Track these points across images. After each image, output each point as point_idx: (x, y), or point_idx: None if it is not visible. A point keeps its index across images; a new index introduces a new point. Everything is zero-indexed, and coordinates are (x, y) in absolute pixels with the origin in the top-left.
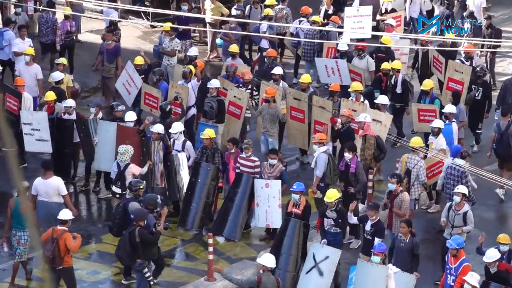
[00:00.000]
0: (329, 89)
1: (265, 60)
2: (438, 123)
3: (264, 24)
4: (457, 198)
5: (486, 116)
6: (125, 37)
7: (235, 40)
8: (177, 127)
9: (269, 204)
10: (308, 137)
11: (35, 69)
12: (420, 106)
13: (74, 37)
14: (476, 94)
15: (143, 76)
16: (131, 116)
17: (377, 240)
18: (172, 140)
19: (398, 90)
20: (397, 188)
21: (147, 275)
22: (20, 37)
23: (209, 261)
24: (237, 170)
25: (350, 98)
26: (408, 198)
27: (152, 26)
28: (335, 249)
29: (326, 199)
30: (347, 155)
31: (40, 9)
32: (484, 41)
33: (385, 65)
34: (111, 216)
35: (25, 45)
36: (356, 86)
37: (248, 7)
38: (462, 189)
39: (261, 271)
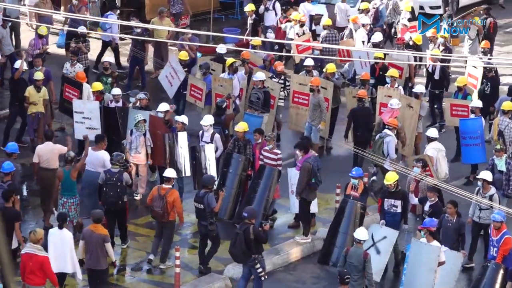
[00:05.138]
0: (360, 78)
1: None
2: (433, 132)
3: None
4: (479, 183)
5: (492, 108)
6: (93, 49)
7: (195, 50)
8: (208, 119)
9: None
10: (332, 125)
11: None
12: (454, 101)
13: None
14: (486, 88)
15: (186, 69)
16: (162, 107)
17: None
18: (201, 132)
19: (436, 76)
20: (421, 172)
21: (259, 270)
22: None
23: (176, 274)
24: (261, 162)
25: (386, 85)
26: None
27: (121, 39)
28: (393, 230)
29: (385, 182)
30: (298, 153)
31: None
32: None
33: (378, 54)
34: None
35: None
36: (393, 72)
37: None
38: (482, 174)
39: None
